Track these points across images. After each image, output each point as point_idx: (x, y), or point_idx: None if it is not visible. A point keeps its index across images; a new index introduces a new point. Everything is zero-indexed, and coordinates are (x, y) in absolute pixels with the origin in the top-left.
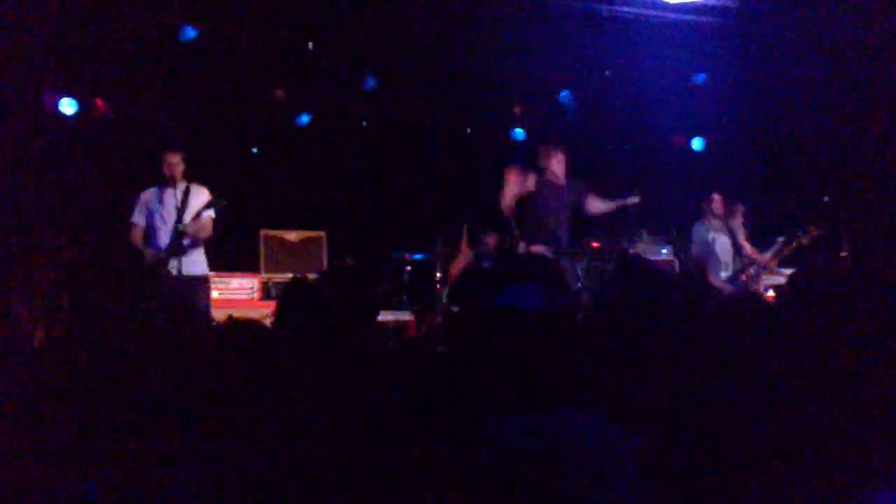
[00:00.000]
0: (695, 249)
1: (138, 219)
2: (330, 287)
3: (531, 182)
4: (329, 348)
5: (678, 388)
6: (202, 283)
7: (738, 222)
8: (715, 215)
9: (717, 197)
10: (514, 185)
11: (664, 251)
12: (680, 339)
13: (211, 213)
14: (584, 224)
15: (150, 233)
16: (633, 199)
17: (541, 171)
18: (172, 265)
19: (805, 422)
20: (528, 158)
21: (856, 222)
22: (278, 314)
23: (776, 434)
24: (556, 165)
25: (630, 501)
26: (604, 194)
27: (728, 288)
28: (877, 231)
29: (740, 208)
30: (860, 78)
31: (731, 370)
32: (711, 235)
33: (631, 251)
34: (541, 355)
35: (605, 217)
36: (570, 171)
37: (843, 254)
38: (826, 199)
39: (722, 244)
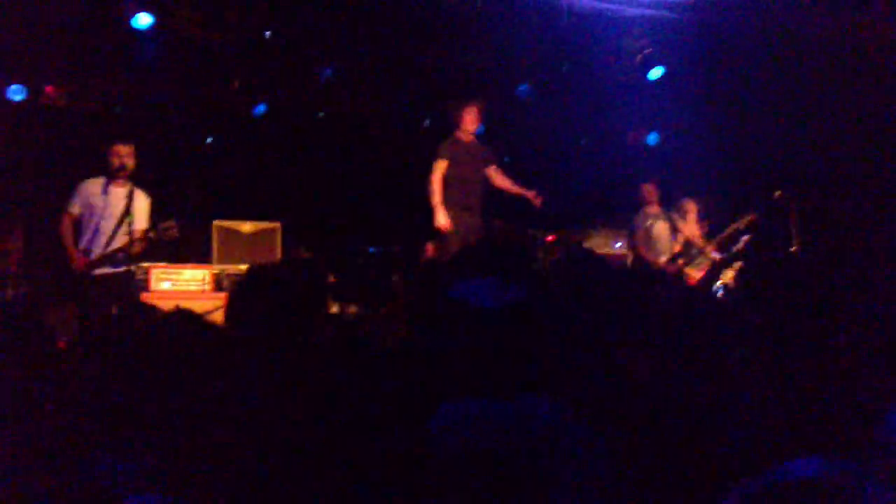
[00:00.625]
0: (634, 236)
1: (74, 208)
2: (283, 278)
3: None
4: (281, 340)
5: (621, 378)
6: (127, 277)
7: (691, 217)
8: (648, 202)
9: (645, 186)
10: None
11: (618, 245)
12: (622, 327)
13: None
14: (538, 218)
15: (83, 225)
16: (535, 197)
17: (453, 129)
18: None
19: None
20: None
21: (808, 216)
22: (230, 305)
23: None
24: (470, 121)
25: (584, 486)
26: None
27: (670, 267)
28: (828, 225)
29: (692, 206)
30: (816, 71)
31: (677, 357)
32: (649, 221)
33: (580, 244)
34: (492, 349)
35: (560, 210)
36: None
37: (792, 248)
38: (778, 193)
39: (658, 229)
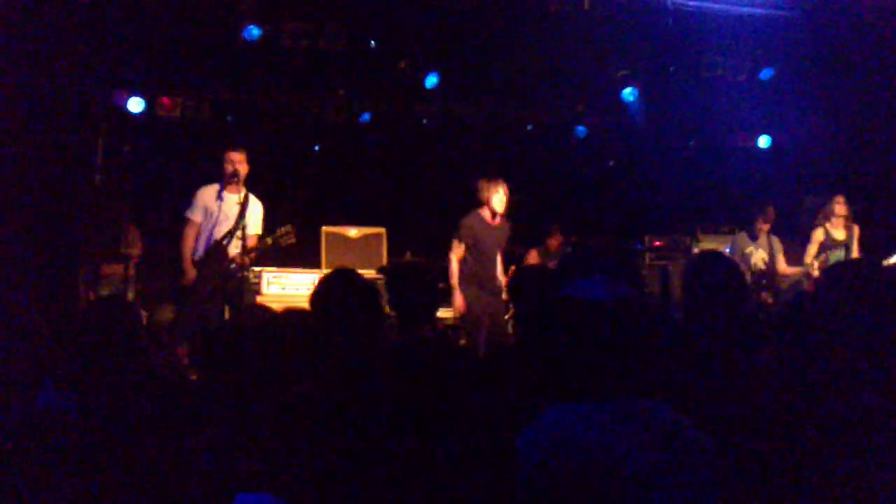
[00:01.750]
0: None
1: (195, 215)
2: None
3: None
4: (392, 342)
5: (746, 391)
6: (241, 282)
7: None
8: (758, 226)
9: (768, 208)
10: None
11: (727, 250)
12: (749, 341)
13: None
14: (645, 222)
15: (201, 231)
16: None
17: (479, 206)
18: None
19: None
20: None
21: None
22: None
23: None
24: (497, 202)
25: (695, 494)
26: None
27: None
28: None
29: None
30: None
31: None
32: (749, 248)
33: (695, 251)
34: (607, 346)
35: (665, 216)
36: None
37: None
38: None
39: (756, 260)
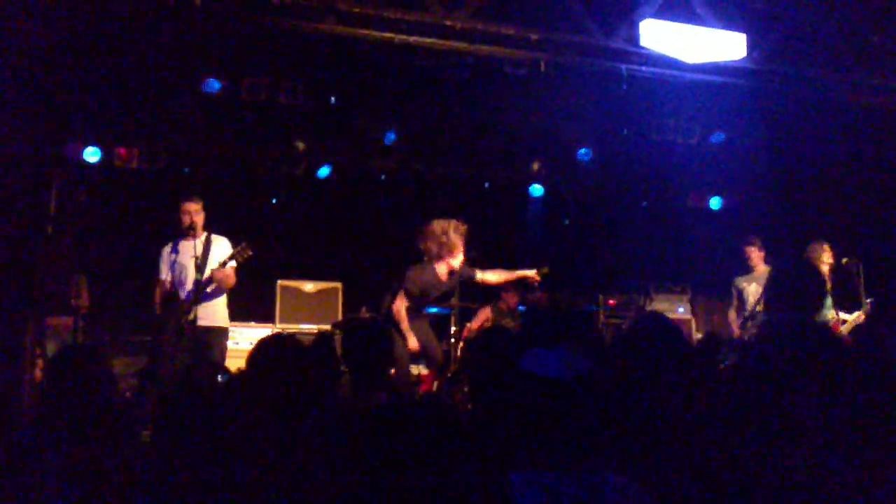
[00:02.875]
0: (732, 299)
1: (165, 274)
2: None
3: None
4: (343, 402)
5: (693, 447)
6: (219, 334)
7: None
8: (752, 266)
9: (749, 249)
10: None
11: (680, 310)
12: (691, 397)
13: (233, 263)
14: (600, 281)
15: (174, 285)
16: (535, 274)
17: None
18: (193, 315)
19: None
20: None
21: (876, 281)
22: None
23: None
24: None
25: None
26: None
27: (738, 328)
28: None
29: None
30: (879, 132)
31: (744, 427)
32: (742, 285)
33: (647, 309)
34: (562, 419)
35: (619, 275)
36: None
37: (860, 313)
38: (845, 260)
39: (749, 293)
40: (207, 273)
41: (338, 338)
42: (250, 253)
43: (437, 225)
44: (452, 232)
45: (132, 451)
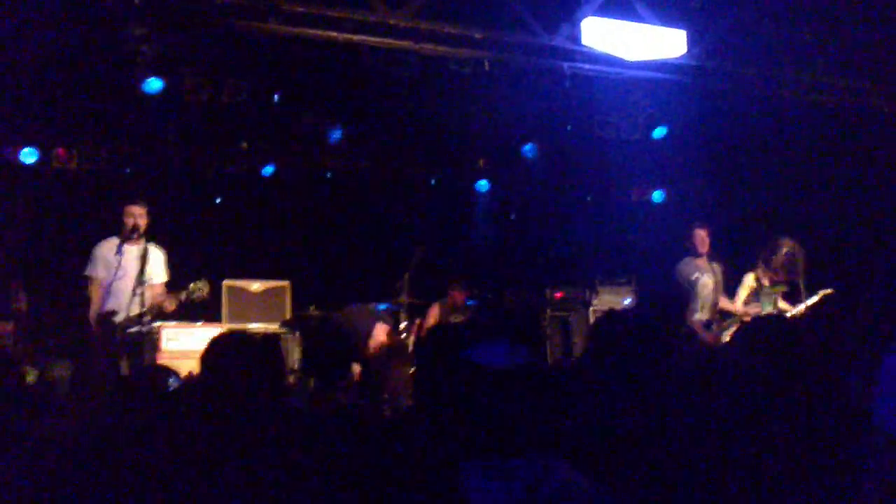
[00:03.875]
0: (676, 286)
1: (98, 272)
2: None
3: None
4: (295, 400)
5: (646, 440)
6: (151, 338)
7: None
8: (698, 253)
9: (698, 232)
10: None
11: (626, 301)
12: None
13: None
14: (546, 275)
15: (107, 286)
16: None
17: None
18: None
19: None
20: None
21: (812, 273)
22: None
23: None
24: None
25: None
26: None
27: (702, 330)
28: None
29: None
30: (816, 128)
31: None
32: (696, 275)
33: (595, 301)
34: (504, 409)
35: (565, 269)
36: None
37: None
38: (785, 251)
39: (703, 284)
40: (150, 285)
41: (288, 336)
42: (206, 296)
43: None
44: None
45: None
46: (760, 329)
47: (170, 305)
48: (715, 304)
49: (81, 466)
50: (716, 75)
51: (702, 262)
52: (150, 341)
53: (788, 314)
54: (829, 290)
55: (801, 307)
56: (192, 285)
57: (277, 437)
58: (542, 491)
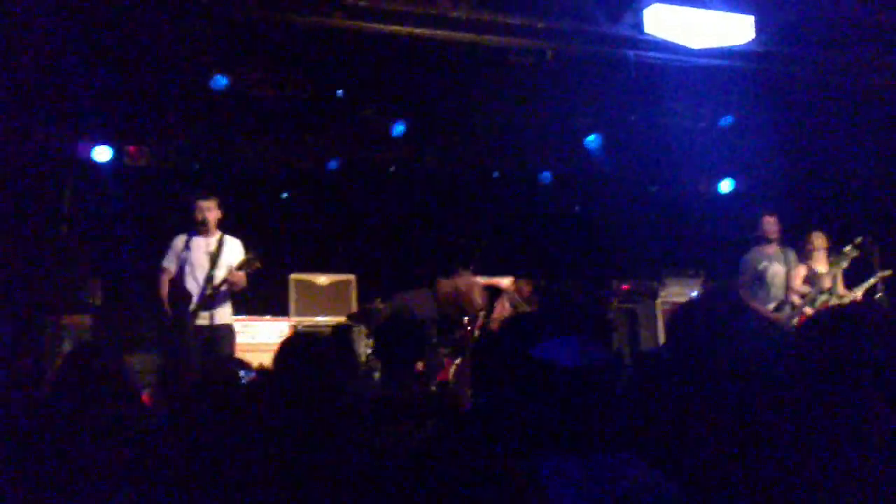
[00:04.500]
0: (742, 279)
1: (169, 264)
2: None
3: None
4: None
5: (718, 438)
6: (227, 331)
7: (821, 255)
8: (768, 240)
9: (766, 219)
10: None
11: (693, 294)
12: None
13: (243, 273)
14: (611, 266)
15: (177, 278)
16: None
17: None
18: (203, 316)
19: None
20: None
21: (889, 259)
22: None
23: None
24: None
25: None
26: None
27: (778, 316)
28: None
29: (822, 241)
30: (882, 114)
31: (774, 418)
32: (763, 264)
33: (662, 293)
34: (578, 404)
35: (631, 261)
36: None
37: (877, 295)
38: (859, 239)
39: (773, 273)
40: (223, 274)
41: (354, 329)
42: (259, 265)
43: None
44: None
45: (150, 449)
46: (821, 324)
47: (239, 282)
48: (789, 289)
49: (167, 458)
50: (784, 61)
51: (772, 249)
52: (227, 334)
53: (846, 299)
54: (888, 272)
55: (859, 292)
56: (243, 259)
57: (349, 428)
58: (619, 489)
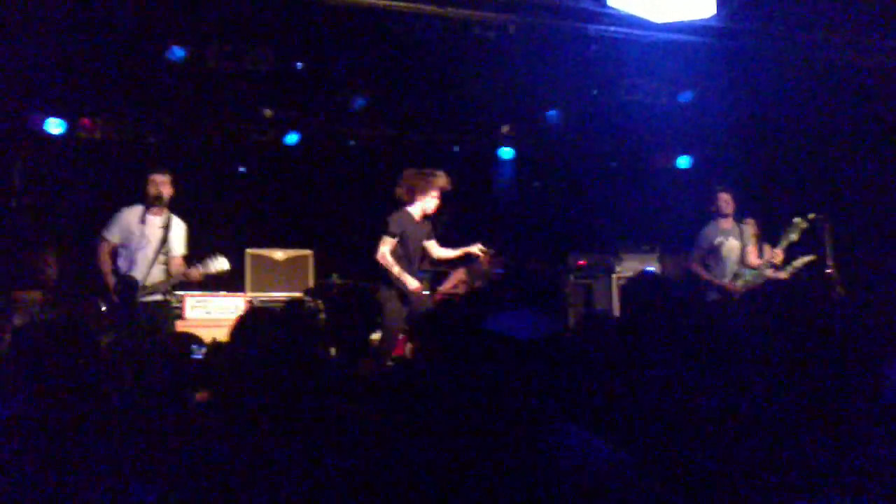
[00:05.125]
0: (696, 253)
1: (112, 235)
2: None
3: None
4: (322, 369)
5: (662, 405)
6: (167, 307)
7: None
8: (723, 215)
9: (722, 196)
10: None
11: (650, 269)
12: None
13: (204, 269)
14: (569, 242)
15: (119, 253)
16: (480, 251)
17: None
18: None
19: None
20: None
21: (841, 237)
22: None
23: (754, 448)
24: (427, 200)
25: None
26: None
27: (736, 288)
28: (861, 245)
29: (752, 227)
30: (846, 91)
31: (715, 384)
32: (719, 239)
33: (618, 268)
34: (525, 377)
35: (588, 236)
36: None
37: (828, 271)
38: (812, 216)
39: (729, 248)
40: (176, 255)
41: (312, 304)
42: (226, 269)
43: (408, 171)
44: (420, 176)
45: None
46: (765, 296)
47: (197, 276)
48: (744, 263)
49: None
50: (744, 37)
51: (728, 224)
52: (171, 310)
53: (771, 273)
54: (812, 257)
55: (783, 274)
56: (211, 264)
57: (306, 402)
58: (563, 458)
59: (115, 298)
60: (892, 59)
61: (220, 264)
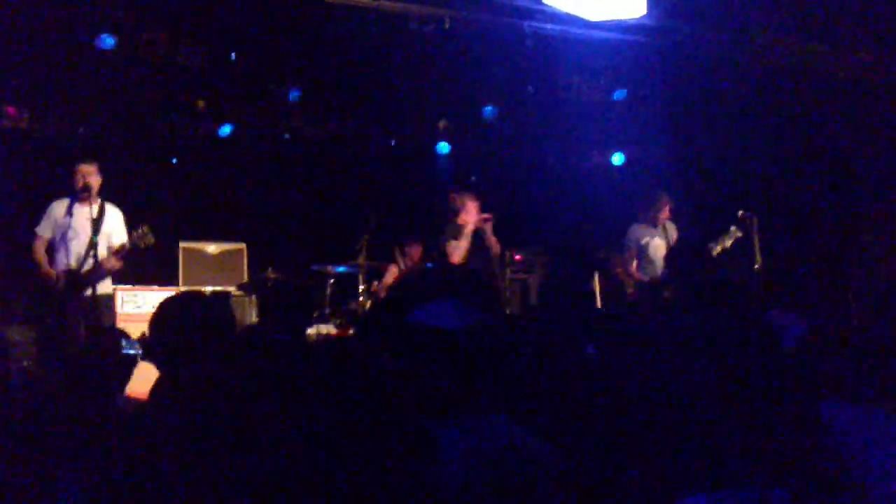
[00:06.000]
0: (627, 255)
1: (44, 230)
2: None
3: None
4: (249, 361)
5: (592, 400)
6: (108, 300)
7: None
8: (652, 218)
9: (666, 202)
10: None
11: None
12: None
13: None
14: (506, 237)
15: (55, 247)
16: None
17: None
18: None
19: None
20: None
21: (769, 234)
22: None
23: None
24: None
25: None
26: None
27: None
28: (790, 245)
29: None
30: (775, 91)
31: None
32: (646, 239)
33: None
34: (453, 371)
35: (523, 229)
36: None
37: (755, 266)
38: (741, 213)
39: (656, 247)
40: (105, 243)
41: (244, 299)
42: (152, 241)
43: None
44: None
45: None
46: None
47: (115, 264)
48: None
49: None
50: (676, 36)
51: (652, 227)
52: (107, 304)
53: None
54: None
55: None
56: (135, 232)
57: (237, 391)
58: (493, 451)
59: (58, 294)
60: (821, 59)
61: (146, 238)
